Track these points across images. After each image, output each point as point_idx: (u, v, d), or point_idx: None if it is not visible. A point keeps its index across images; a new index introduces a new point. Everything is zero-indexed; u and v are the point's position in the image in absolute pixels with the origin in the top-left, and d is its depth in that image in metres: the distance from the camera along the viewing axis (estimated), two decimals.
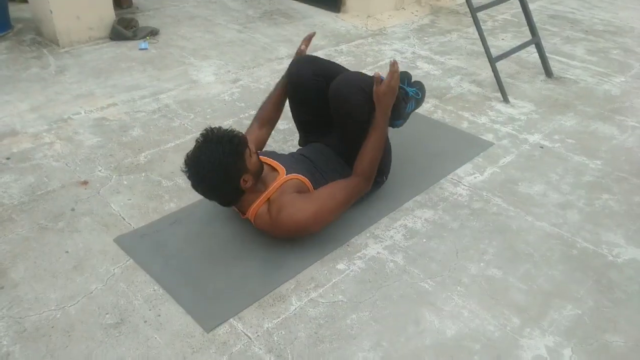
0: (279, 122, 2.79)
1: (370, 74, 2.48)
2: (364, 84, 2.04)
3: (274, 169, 2.05)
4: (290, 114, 2.37)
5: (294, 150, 2.38)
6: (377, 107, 2.02)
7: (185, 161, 1.88)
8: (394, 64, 1.98)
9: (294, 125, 2.41)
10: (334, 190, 1.99)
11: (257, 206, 1.95)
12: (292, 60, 2.25)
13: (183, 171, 1.89)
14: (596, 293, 1.90)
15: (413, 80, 2.55)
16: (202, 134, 1.88)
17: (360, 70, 2.38)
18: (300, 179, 2.00)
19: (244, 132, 2.02)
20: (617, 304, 1.86)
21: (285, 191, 1.94)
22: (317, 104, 2.19)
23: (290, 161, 2.11)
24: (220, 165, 1.82)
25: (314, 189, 2.03)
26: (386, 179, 2.33)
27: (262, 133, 2.30)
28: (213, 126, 1.90)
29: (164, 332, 1.68)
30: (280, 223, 1.90)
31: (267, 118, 2.32)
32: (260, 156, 2.06)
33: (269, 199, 1.95)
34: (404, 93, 2.38)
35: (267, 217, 1.93)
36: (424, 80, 3.32)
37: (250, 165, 1.89)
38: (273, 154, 2.16)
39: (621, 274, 1.98)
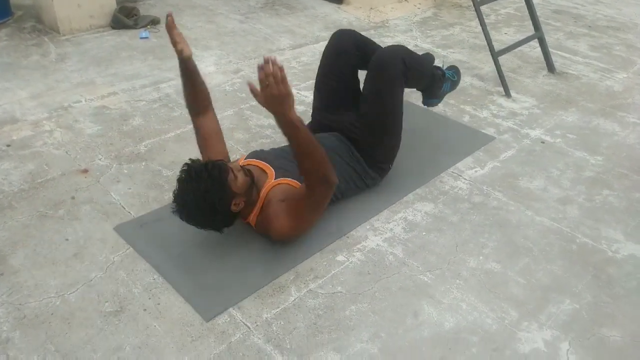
0: None
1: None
2: (406, 56, 2.18)
3: (264, 171, 2.02)
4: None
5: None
6: (274, 117, 1.70)
7: (173, 200, 1.83)
8: (262, 67, 1.57)
9: None
10: (305, 203, 1.89)
11: (254, 215, 1.95)
12: (336, 31, 2.36)
13: (173, 211, 1.82)
14: (595, 288, 1.90)
15: (450, 64, 2.69)
16: (181, 171, 1.82)
17: None
18: (289, 183, 1.95)
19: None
20: (615, 299, 1.86)
21: (271, 201, 1.91)
22: (347, 77, 2.31)
23: (284, 159, 2.05)
24: (206, 201, 1.77)
25: None
26: (391, 166, 2.32)
27: (212, 124, 2.13)
28: (190, 160, 1.84)
29: (163, 320, 1.69)
30: (272, 234, 1.92)
31: (198, 102, 2.13)
32: (248, 159, 2.05)
33: (262, 206, 1.94)
34: (441, 74, 2.49)
35: (264, 225, 1.93)
36: None
37: (238, 188, 1.84)
38: (267, 154, 2.12)
39: (620, 269, 1.99)
